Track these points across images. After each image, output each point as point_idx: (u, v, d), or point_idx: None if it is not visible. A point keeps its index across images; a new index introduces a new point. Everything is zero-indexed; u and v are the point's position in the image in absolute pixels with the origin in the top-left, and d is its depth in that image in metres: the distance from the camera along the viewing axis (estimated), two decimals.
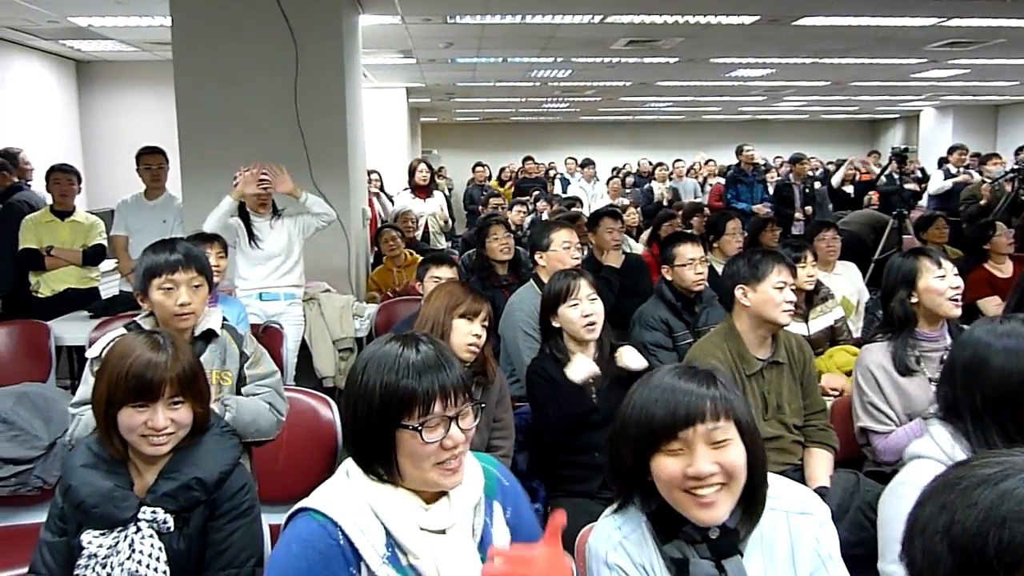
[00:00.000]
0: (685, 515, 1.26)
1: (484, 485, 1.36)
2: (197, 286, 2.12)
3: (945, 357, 2.26)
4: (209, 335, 2.17)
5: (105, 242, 4.75)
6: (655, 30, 6.76)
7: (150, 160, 4.78)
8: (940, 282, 2.42)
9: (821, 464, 2.38)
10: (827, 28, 6.67)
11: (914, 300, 2.44)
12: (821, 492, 2.24)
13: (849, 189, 8.16)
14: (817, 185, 8.13)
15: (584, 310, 2.47)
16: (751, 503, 1.28)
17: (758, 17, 6.24)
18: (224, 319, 2.26)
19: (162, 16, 5.01)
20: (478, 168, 10.24)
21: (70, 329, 4.10)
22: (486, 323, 2.33)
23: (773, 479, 1.35)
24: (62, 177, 4.71)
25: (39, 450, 2.65)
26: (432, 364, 1.27)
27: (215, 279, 3.21)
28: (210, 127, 4.59)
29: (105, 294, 4.90)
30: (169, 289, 2.08)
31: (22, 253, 4.59)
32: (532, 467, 2.58)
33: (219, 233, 3.58)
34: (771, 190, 8.06)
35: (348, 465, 1.32)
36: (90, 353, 2.03)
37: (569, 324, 2.49)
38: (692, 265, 3.35)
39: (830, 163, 13.74)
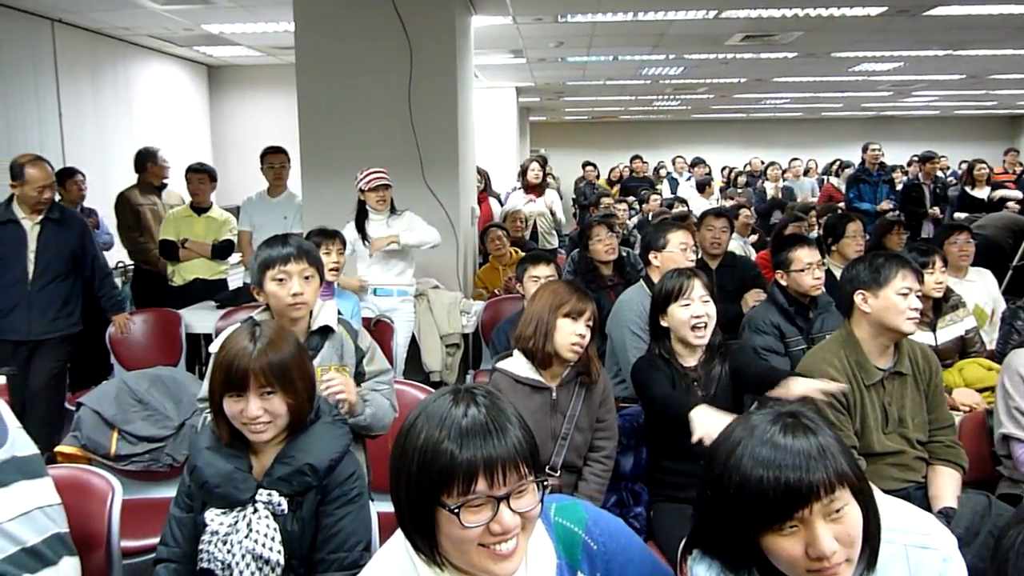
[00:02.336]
0: None
1: (565, 557, 1.19)
2: (308, 277, 2.21)
3: None
4: (325, 331, 2.26)
5: (235, 237, 5.04)
6: (773, 24, 6.52)
7: (273, 159, 5.05)
8: None
9: (947, 483, 2.24)
10: (963, 18, 6.24)
11: None
12: (947, 513, 2.10)
13: (982, 193, 7.59)
14: (951, 180, 7.61)
15: (695, 311, 2.42)
16: (869, 551, 1.16)
17: (885, 8, 5.91)
18: (339, 313, 2.34)
19: (286, 22, 5.25)
20: (588, 167, 10.21)
21: (198, 318, 4.37)
22: (591, 323, 2.31)
23: (892, 504, 1.24)
24: (194, 176, 5.05)
25: (170, 430, 2.84)
26: (479, 430, 1.06)
27: (332, 277, 3.35)
28: (328, 127, 4.78)
29: (232, 286, 5.20)
30: (282, 280, 2.18)
31: (161, 244, 4.95)
32: (636, 470, 2.54)
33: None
34: (898, 191, 7.63)
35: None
36: (212, 348, 2.15)
37: (678, 325, 2.44)
38: (809, 270, 3.22)
39: (963, 162, 12.91)
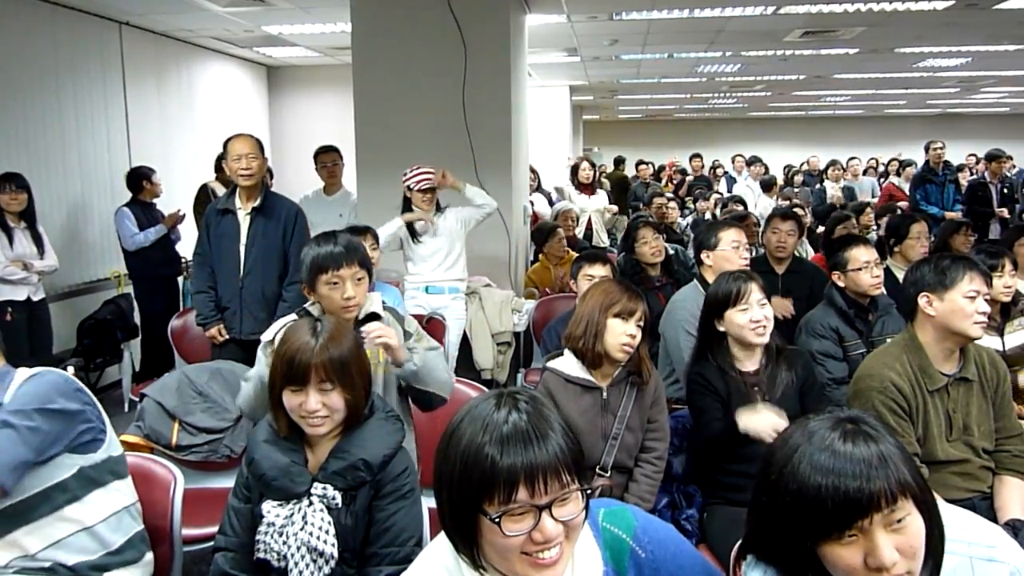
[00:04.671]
0: None
1: (612, 564, 1.18)
2: (359, 279, 2.23)
3: None
4: (371, 318, 2.29)
5: None
6: (834, 19, 6.36)
7: (325, 158, 5.13)
8: None
9: (1015, 494, 2.16)
10: None
11: None
12: (1015, 525, 2.02)
13: None
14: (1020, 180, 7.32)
15: (754, 316, 2.37)
16: (932, 568, 1.12)
17: (953, 1, 5.72)
18: (383, 302, 2.37)
19: (343, 23, 5.33)
20: (641, 166, 10.12)
21: None
22: (641, 323, 2.29)
23: (958, 514, 1.20)
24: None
25: (228, 422, 2.90)
26: (520, 437, 1.04)
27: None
28: (384, 126, 4.84)
29: None
30: (335, 284, 2.20)
31: None
32: (688, 471, 2.52)
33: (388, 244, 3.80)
34: (963, 191, 7.37)
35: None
36: (264, 336, 2.20)
37: (737, 329, 2.40)
38: (867, 268, 3.12)
39: None
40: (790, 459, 1.10)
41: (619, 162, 10.29)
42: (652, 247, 4.05)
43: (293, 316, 2.26)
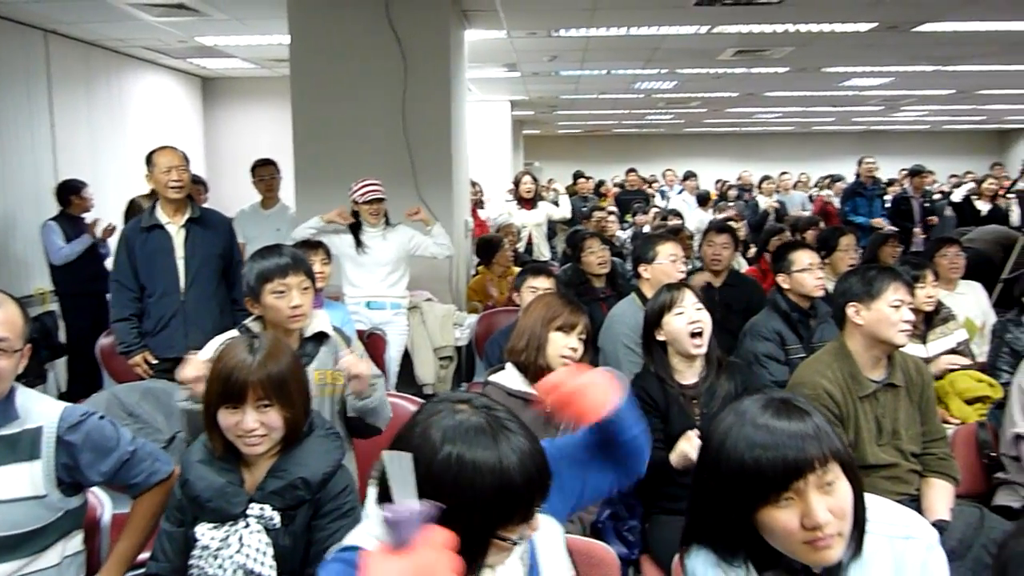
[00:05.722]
0: (800, 560, 1.19)
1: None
2: (306, 289, 2.22)
3: None
4: (321, 337, 2.26)
5: None
6: (764, 39, 6.57)
7: (263, 171, 5.05)
8: None
9: (940, 495, 2.24)
10: (951, 34, 6.31)
11: None
12: (940, 526, 2.10)
13: (985, 207, 7.64)
14: (937, 197, 7.67)
15: (690, 317, 2.42)
16: (856, 533, 1.22)
17: (875, 24, 5.97)
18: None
19: (281, 35, 5.27)
20: (580, 180, 10.21)
21: None
22: (583, 336, 2.31)
23: (876, 501, 1.28)
24: (191, 188, 5.02)
25: (160, 443, 2.80)
26: (534, 452, 1.13)
27: (319, 284, 3.36)
28: (323, 139, 4.79)
29: None
30: (281, 293, 2.18)
31: None
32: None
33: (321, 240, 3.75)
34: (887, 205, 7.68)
35: None
36: (201, 354, 2.15)
37: (675, 335, 2.43)
38: (811, 270, 3.24)
39: (952, 176, 13.01)
40: (727, 435, 1.19)
41: (577, 177, 10.42)
42: (599, 257, 4.09)
43: (232, 333, 2.22)
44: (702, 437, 1.28)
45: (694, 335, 2.41)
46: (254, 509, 1.63)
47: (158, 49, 6.89)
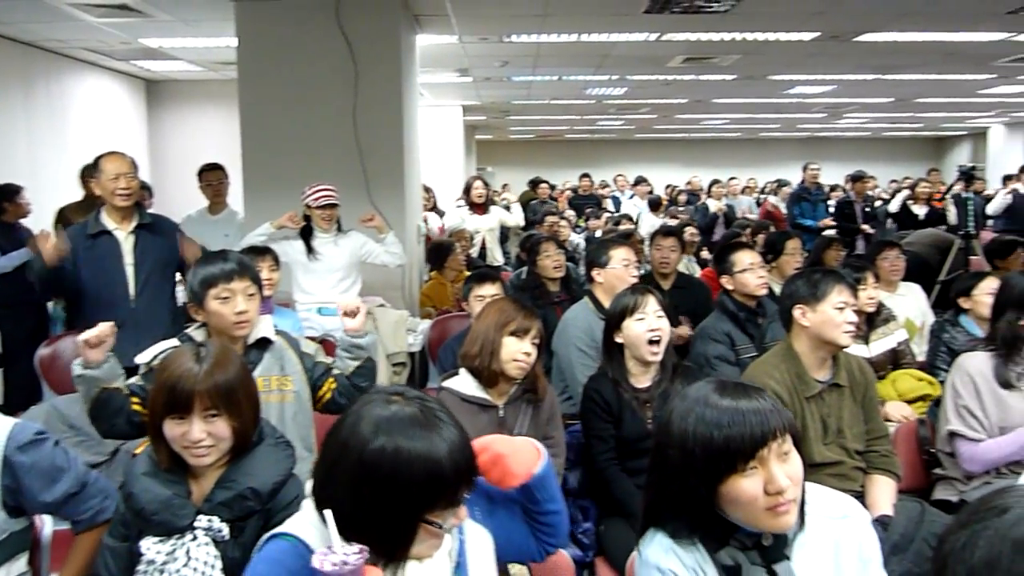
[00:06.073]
0: (758, 528, 1.28)
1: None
2: (251, 294, 2.18)
3: None
4: (264, 343, 2.22)
5: None
6: (712, 47, 6.70)
7: (210, 176, 4.95)
8: None
9: (884, 492, 2.30)
10: (890, 44, 6.52)
11: (1023, 323, 2.39)
12: (884, 521, 2.16)
13: (921, 211, 7.90)
14: (878, 204, 7.91)
15: (651, 324, 2.44)
16: (799, 508, 1.32)
17: (818, 33, 6.14)
18: (275, 326, 2.31)
19: (228, 37, 5.18)
20: (541, 186, 10.27)
21: None
22: (537, 340, 2.32)
23: (816, 488, 1.38)
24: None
25: (104, 455, 2.73)
26: (463, 443, 1.21)
27: (267, 291, 3.31)
28: (272, 144, 4.71)
29: None
30: (226, 298, 2.14)
31: None
32: (583, 486, 2.55)
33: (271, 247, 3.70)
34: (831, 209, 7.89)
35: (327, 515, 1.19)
36: (139, 359, 2.10)
37: (633, 340, 2.46)
38: (752, 270, 3.30)
39: (892, 181, 13.41)
40: (690, 417, 1.28)
41: (536, 182, 10.47)
42: (554, 261, 4.11)
43: (174, 342, 2.16)
44: (660, 426, 1.36)
45: (652, 342, 2.44)
46: (202, 521, 1.60)
47: (100, 51, 6.71)
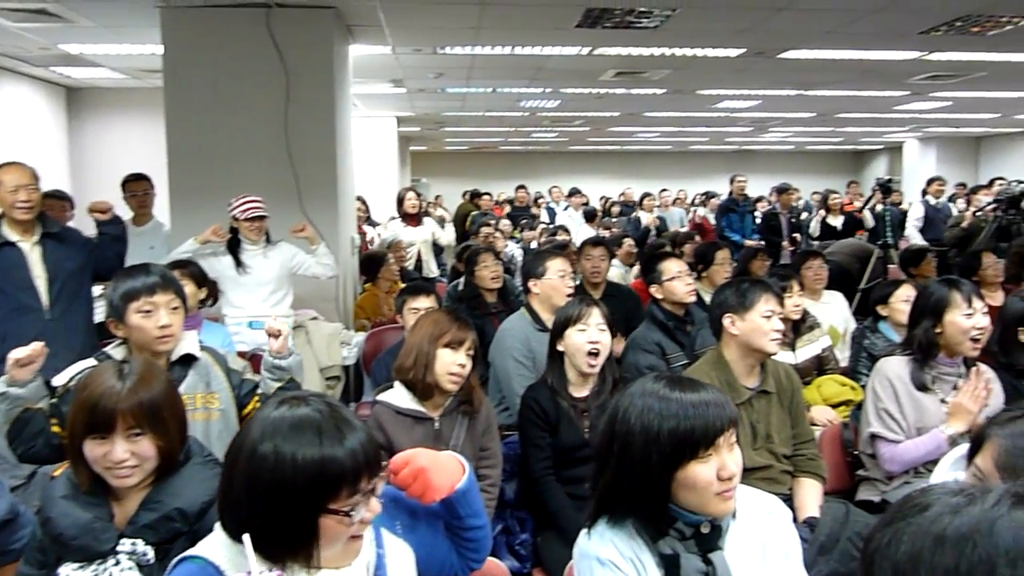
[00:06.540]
0: (706, 513, 1.39)
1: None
2: (175, 308, 2.12)
3: (960, 383, 2.38)
4: (188, 359, 2.16)
5: None
6: (642, 62, 6.84)
7: (135, 187, 4.80)
8: (966, 320, 2.46)
9: (810, 494, 2.37)
10: (811, 61, 6.78)
11: (938, 330, 2.49)
12: (811, 523, 2.23)
13: (836, 222, 8.23)
14: (804, 215, 8.20)
15: (591, 336, 2.47)
16: None
17: (744, 50, 6.34)
18: (201, 342, 2.25)
19: (154, 44, 5.04)
20: (484, 196, 10.30)
21: None
22: (471, 352, 2.32)
23: (743, 488, 1.47)
24: (55, 204, 4.71)
25: (20, 479, 2.60)
26: (348, 425, 1.20)
27: (190, 305, 3.22)
28: (199, 154, 4.60)
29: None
30: (148, 312, 2.07)
31: None
32: (520, 498, 2.56)
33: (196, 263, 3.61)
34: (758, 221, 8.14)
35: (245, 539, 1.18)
36: (56, 380, 2.02)
37: (573, 350, 2.48)
38: (680, 277, 3.38)
39: (815, 193, 13.91)
40: (649, 411, 1.38)
41: (475, 194, 10.47)
42: (492, 271, 4.12)
43: (91, 361, 2.08)
44: (611, 422, 1.43)
45: (591, 354, 2.47)
46: (125, 545, 1.53)
47: (17, 56, 6.44)
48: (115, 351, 2.13)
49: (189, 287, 3.25)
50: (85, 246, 3.46)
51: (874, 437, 2.52)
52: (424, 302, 3.30)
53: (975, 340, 2.46)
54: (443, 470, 1.39)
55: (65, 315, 3.29)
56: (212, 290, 3.59)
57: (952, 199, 9.74)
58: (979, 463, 1.36)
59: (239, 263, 3.91)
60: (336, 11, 4.75)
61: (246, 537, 1.14)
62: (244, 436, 1.21)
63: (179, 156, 4.62)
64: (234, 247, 3.93)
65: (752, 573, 1.43)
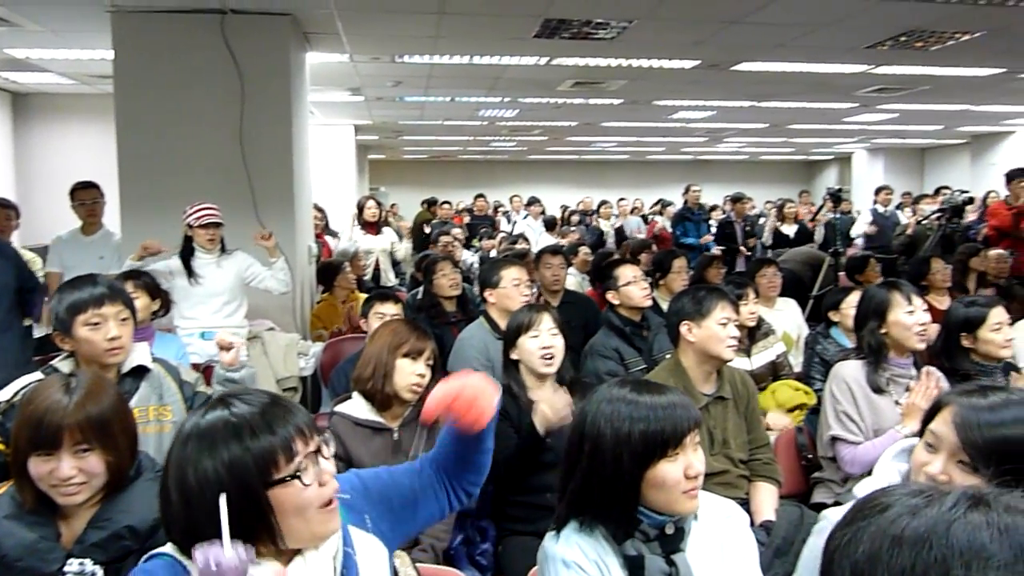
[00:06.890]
0: (673, 511, 1.44)
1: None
2: (124, 319, 2.07)
3: (912, 384, 2.46)
4: (140, 371, 2.11)
5: (42, 280, 4.59)
6: (600, 72, 6.91)
7: (84, 195, 4.68)
8: (908, 317, 2.54)
9: (767, 498, 2.41)
10: (764, 74, 6.92)
11: (884, 331, 2.56)
12: (767, 526, 2.26)
13: (790, 230, 8.41)
14: (761, 221, 8.34)
15: (543, 342, 2.47)
16: None
17: (699, 62, 6.44)
18: (153, 353, 2.21)
19: (104, 49, 4.93)
20: (443, 205, 10.26)
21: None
22: (431, 362, 2.31)
23: (703, 494, 1.52)
24: None
25: None
26: (270, 409, 1.20)
27: (140, 316, 3.15)
28: (152, 162, 4.50)
29: (38, 332, 4.72)
30: (97, 324, 2.02)
31: None
32: (482, 506, 2.54)
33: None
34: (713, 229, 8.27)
35: None
36: (2, 395, 1.95)
37: (528, 356, 2.48)
38: (636, 282, 3.41)
39: (768, 202, 14.18)
40: (617, 415, 1.43)
41: (432, 203, 10.40)
42: (450, 280, 4.10)
43: (37, 375, 2.02)
44: (579, 427, 1.48)
45: (544, 358, 2.47)
46: (72, 565, 1.49)
47: None
48: (62, 364, 2.07)
49: (142, 299, 3.17)
50: (17, 258, 3.42)
51: (835, 440, 2.57)
52: (391, 308, 3.28)
53: (920, 335, 2.55)
54: (485, 391, 1.39)
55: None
56: (164, 300, 3.50)
57: (900, 207, 10.01)
58: (934, 427, 1.42)
59: (191, 273, 3.83)
60: (292, 18, 4.71)
61: (222, 499, 1.11)
62: (169, 452, 1.20)
63: (130, 164, 4.52)
64: (187, 256, 3.85)
65: (712, 575, 1.47)
